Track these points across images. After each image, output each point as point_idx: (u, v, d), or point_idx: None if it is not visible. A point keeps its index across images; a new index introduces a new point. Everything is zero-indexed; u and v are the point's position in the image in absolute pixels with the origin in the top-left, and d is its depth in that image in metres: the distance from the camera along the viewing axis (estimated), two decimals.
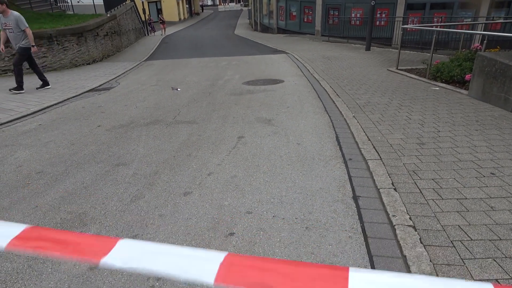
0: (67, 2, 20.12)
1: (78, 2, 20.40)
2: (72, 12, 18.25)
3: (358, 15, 19.71)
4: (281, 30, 25.51)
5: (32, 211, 3.28)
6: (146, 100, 7.54)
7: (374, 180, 3.58)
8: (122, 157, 4.49)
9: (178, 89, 8.47)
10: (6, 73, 10.61)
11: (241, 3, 75.07)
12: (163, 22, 30.72)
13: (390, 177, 3.60)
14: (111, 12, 17.71)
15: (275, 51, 15.97)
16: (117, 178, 3.90)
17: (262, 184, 3.64)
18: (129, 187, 3.69)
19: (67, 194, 3.60)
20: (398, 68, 9.90)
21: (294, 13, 23.92)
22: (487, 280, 2.22)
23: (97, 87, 9.17)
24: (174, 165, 4.18)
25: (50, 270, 2.50)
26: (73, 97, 8.02)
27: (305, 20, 23.11)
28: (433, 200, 3.15)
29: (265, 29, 28.69)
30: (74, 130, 5.67)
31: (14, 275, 2.46)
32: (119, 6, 20.89)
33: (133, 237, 2.84)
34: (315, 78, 9.28)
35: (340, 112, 6.08)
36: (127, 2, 23.69)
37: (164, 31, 29.93)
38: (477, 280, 2.23)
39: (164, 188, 3.63)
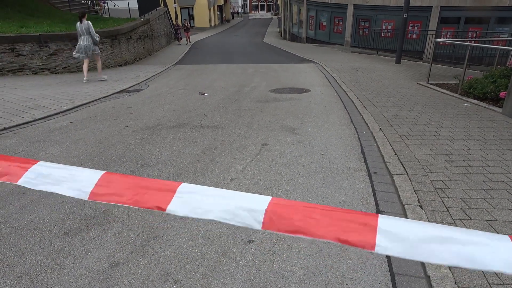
0: (104, 6, 20.83)
1: (114, 6, 21.08)
2: (108, 16, 18.88)
3: (389, 27, 19.45)
4: (310, 40, 25.47)
5: (59, 205, 3.37)
6: (173, 103, 7.67)
7: (399, 196, 3.49)
8: (147, 158, 4.57)
9: (205, 94, 8.57)
10: (43, 71, 11.05)
11: (272, 11, 75.58)
12: (187, 29, 26.51)
13: (416, 194, 3.49)
14: (144, 16, 18.18)
15: (303, 60, 15.94)
16: None
17: (284, 193, 3.61)
18: None
19: None
20: (429, 82, 9.67)
21: (324, 23, 23.86)
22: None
23: (127, 88, 9.40)
24: (197, 169, 4.21)
25: (72, 265, 2.56)
26: (104, 97, 8.26)
27: (335, 31, 23.00)
28: (460, 220, 3.03)
29: (294, 38, 28.73)
30: (103, 129, 5.82)
31: (38, 267, 2.53)
32: (152, 11, 21.42)
33: (153, 238, 2.87)
34: (342, 88, 9.18)
35: (367, 124, 5.98)
36: (160, 7, 24.27)
37: (189, 39, 26.47)
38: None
39: None
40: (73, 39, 11.54)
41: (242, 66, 14.26)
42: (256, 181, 3.87)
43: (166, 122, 6.24)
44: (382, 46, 18.57)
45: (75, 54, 9.80)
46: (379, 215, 1.00)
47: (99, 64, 10.36)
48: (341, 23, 22.28)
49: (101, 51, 12.63)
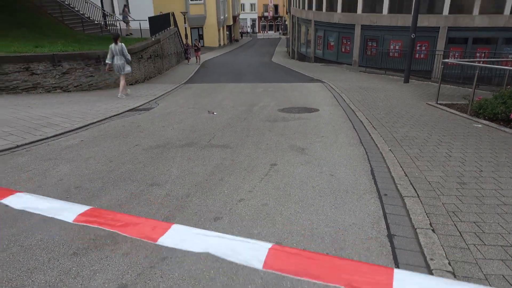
0: (116, 26, 21.31)
1: (126, 26, 21.50)
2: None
3: (397, 47, 19.58)
4: (318, 59, 25.71)
5: (68, 225, 3.37)
6: (182, 122, 7.73)
7: (410, 219, 3.43)
8: (157, 177, 4.58)
9: (214, 113, 8.64)
10: (56, 89, 11.27)
11: (280, 31, 76.67)
12: (197, 49, 26.80)
13: (428, 217, 3.44)
14: (155, 36, 18.55)
15: (312, 80, 16.05)
16: (150, 198, 3.96)
17: (293, 214, 3.58)
18: (161, 208, 3.74)
19: None
20: (438, 102, 9.64)
21: (332, 43, 24.11)
22: None
23: (137, 107, 9.52)
24: (206, 189, 4.20)
25: (80, 286, 2.54)
26: (115, 115, 8.36)
27: (343, 50, 23.21)
28: (474, 245, 2.96)
29: (302, 57, 29.02)
30: (113, 147, 5.87)
31: None
32: (163, 31, 21.87)
33: (162, 260, 2.85)
34: (351, 108, 9.19)
35: (376, 144, 5.95)
36: (171, 27, 24.76)
37: (199, 59, 26.47)
38: None
39: (195, 212, 3.65)
40: (86, 58, 11.82)
41: (251, 85, 14.39)
42: (265, 202, 3.85)
43: (175, 141, 6.28)
44: (390, 66, 18.65)
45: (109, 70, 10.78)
46: (395, 270, 0.90)
47: (123, 83, 10.88)
48: (348, 43, 22.50)
49: (112, 70, 12.90)
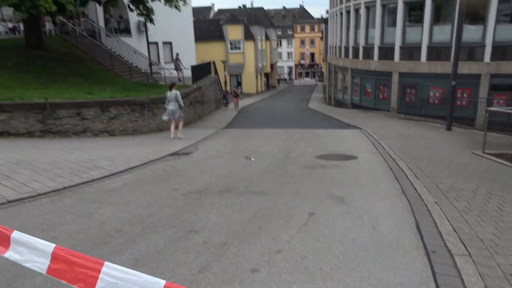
0: (160, 74, 22.60)
1: (170, 74, 22.77)
2: (164, 83, 20.36)
3: (437, 94, 19.23)
4: (355, 106, 25.68)
5: None
6: (221, 168, 7.83)
7: (463, 280, 3.17)
8: (195, 223, 4.59)
9: (252, 159, 8.70)
10: (103, 133, 11.89)
11: (316, 78, 78.02)
12: (236, 95, 27.76)
13: (482, 279, 3.16)
14: (197, 83, 19.43)
15: (349, 126, 15.95)
16: (188, 245, 3.95)
17: (334, 269, 3.42)
18: (198, 256, 3.70)
19: (141, 256, 3.70)
20: (485, 151, 9.20)
21: (369, 90, 24.11)
22: None
23: (177, 151, 9.79)
24: (244, 238, 4.14)
25: None
26: (156, 159, 8.63)
27: (380, 97, 23.09)
28: None
29: (339, 104, 29.12)
30: (154, 192, 6.00)
31: None
32: (204, 78, 22.91)
33: None
34: (391, 156, 8.96)
35: (420, 196, 5.69)
36: (211, 75, 25.92)
37: (237, 104, 27.22)
38: None
39: (232, 262, 3.58)
40: (131, 104, 12.49)
41: (287, 131, 14.49)
42: (304, 255, 3.72)
43: (213, 186, 6.33)
44: (430, 113, 18.24)
45: (164, 117, 11.65)
46: None
47: (181, 125, 11.95)
48: (386, 89, 22.41)
49: (155, 116, 13.50)
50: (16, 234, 1.94)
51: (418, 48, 19.82)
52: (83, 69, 17.28)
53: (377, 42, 22.43)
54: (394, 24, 21.30)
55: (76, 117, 11.31)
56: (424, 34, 19.39)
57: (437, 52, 19.17)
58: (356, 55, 25.11)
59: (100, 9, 21.62)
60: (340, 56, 28.74)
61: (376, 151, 9.80)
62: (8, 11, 23.27)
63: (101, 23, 22.21)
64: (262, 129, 15.20)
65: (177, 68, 22.16)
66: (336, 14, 29.82)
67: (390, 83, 21.67)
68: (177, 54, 23.43)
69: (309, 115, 23.24)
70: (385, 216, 4.82)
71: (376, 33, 22.45)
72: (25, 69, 14.81)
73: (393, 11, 21.36)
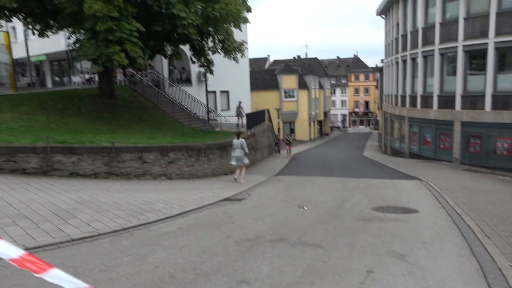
0: (217, 121, 23.55)
1: (225, 121, 23.66)
2: (220, 129, 21.14)
3: (506, 145, 17.89)
4: (413, 155, 24.59)
5: None
6: (273, 215, 7.73)
7: None
8: (246, 273, 4.48)
9: (305, 208, 8.51)
10: (161, 177, 12.41)
11: (371, 126, 76.59)
12: (289, 143, 27.36)
13: None
14: (251, 130, 19.92)
15: (407, 177, 15.20)
16: None
17: None
18: None
19: None
20: None
21: (429, 139, 23.09)
22: None
23: (230, 196, 9.88)
24: None
25: None
26: (210, 204, 8.75)
27: (441, 147, 21.96)
28: None
29: (396, 153, 28.08)
30: (207, 237, 6.02)
31: None
32: (258, 125, 23.46)
33: None
34: (455, 211, 8.30)
35: (492, 258, 5.13)
36: (265, 122, 26.49)
37: (289, 152, 26.81)
38: None
39: None
40: (189, 149, 13.03)
41: (341, 179, 14.13)
42: None
43: (266, 235, 6.23)
44: (499, 165, 16.93)
45: (232, 162, 12.71)
46: None
47: (243, 171, 12.80)
48: (447, 139, 21.31)
49: (210, 161, 13.90)
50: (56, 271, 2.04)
51: (481, 96, 18.88)
52: (147, 116, 18.52)
53: (436, 91, 21.77)
54: (454, 72, 20.66)
55: (138, 160, 11.95)
56: (488, 83, 18.52)
57: (503, 100, 18.11)
58: (413, 103, 24.48)
59: (165, 62, 23.48)
60: (396, 104, 28.17)
61: (439, 205, 9.16)
62: (86, 64, 26.10)
63: (165, 74, 24.01)
64: (315, 177, 14.97)
65: (239, 115, 23.15)
66: (392, 64, 29.66)
67: (451, 132, 20.63)
68: (240, 102, 24.76)
69: (364, 163, 22.60)
70: (453, 279, 4.38)
71: (435, 81, 21.86)
72: (96, 116, 16.19)
73: (453, 60, 20.81)
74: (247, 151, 12.70)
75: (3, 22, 17.39)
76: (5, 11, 14.94)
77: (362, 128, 76.62)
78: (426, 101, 22.86)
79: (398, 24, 27.32)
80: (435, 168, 18.81)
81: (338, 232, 6.43)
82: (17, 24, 22.46)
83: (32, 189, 8.53)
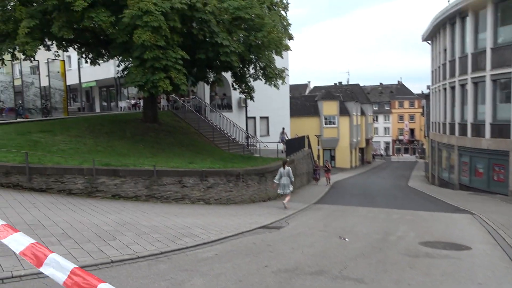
0: (256, 147, 23.71)
1: (264, 146, 23.77)
2: (259, 155, 21.23)
3: None
4: (463, 187, 23.26)
5: None
6: (312, 246, 7.51)
7: None
8: None
9: (346, 239, 8.21)
10: (199, 201, 12.54)
11: (416, 155, 73.77)
12: (328, 170, 26.93)
13: None
14: (290, 156, 19.83)
15: (457, 210, 14.33)
16: None
17: None
18: None
19: None
20: None
21: (481, 170, 21.80)
22: None
23: (268, 224, 9.76)
24: None
25: None
26: (247, 231, 8.67)
27: (495, 179, 20.62)
28: None
29: (444, 184, 26.70)
30: (244, 266, 5.93)
31: None
32: (298, 152, 23.33)
33: None
34: None
35: None
36: (305, 149, 26.32)
37: (329, 179, 26.45)
38: None
39: None
40: (228, 175, 13.14)
41: (385, 210, 13.59)
42: None
43: (305, 266, 6.04)
44: None
45: (279, 191, 13.21)
46: None
47: (288, 198, 13.04)
48: (502, 170, 20.00)
49: (248, 187, 13.91)
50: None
51: None
52: (188, 140, 19.03)
53: (488, 119, 20.69)
54: (508, 99, 19.63)
55: (178, 184, 12.19)
56: None
57: None
58: (463, 132, 23.38)
59: (207, 88, 24.26)
60: (444, 132, 27.05)
61: (494, 242, 8.49)
62: (132, 90, 27.52)
63: (207, 99, 24.76)
64: (356, 207, 14.51)
65: (283, 141, 23.39)
66: (439, 90, 28.74)
67: (507, 163, 19.36)
68: (283, 129, 25.27)
69: (409, 194, 21.65)
70: None
71: (487, 109, 20.83)
72: (140, 139, 16.85)
73: (506, 86, 19.83)
74: (293, 179, 13.09)
75: (60, 52, 18.87)
76: (63, 42, 16.20)
77: (407, 157, 74.01)
78: (478, 129, 21.76)
79: (445, 50, 26.62)
80: (489, 201, 17.61)
81: (382, 267, 6.11)
82: (72, 53, 24.25)
83: (77, 209, 8.90)
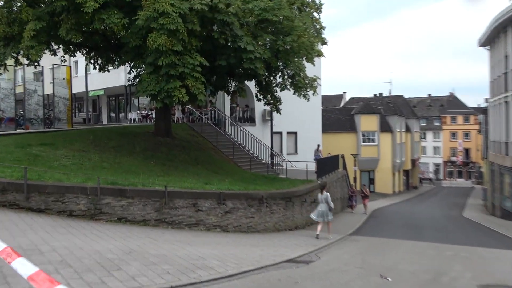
0: (282, 166, 23.63)
1: (291, 166, 23.68)
2: (285, 176, 21.14)
3: None
4: None
5: None
6: (348, 285, 7.34)
7: None
8: None
9: (389, 279, 7.99)
10: (216, 228, 12.53)
11: (473, 179, 71.66)
12: (365, 196, 26.48)
13: None
14: (322, 179, 19.64)
15: None
16: None
17: None
18: None
19: None
20: None
21: None
22: None
23: (295, 257, 9.62)
24: None
25: None
26: (271, 265, 8.56)
27: None
28: None
29: (507, 215, 25.73)
30: None
31: None
32: (330, 173, 23.09)
33: None
34: None
35: None
36: (339, 169, 26.01)
37: (366, 207, 26.09)
38: None
39: None
40: (249, 198, 13.10)
41: (435, 245, 13.20)
42: None
43: None
44: None
45: (314, 217, 13.44)
46: None
47: (330, 226, 13.47)
48: None
49: (273, 213, 13.83)
50: None
51: None
52: (204, 157, 19.19)
53: None
54: None
55: (192, 208, 12.23)
56: None
57: None
58: None
59: (227, 98, 24.52)
60: (507, 154, 26.23)
61: None
62: (144, 100, 28.17)
63: (227, 111, 24.98)
64: (400, 240, 14.18)
65: (317, 160, 23.39)
66: (500, 103, 28.04)
67: None
68: (318, 146, 25.40)
69: (464, 226, 20.96)
70: None
71: None
72: (150, 155, 17.12)
73: None
74: (332, 206, 13.32)
75: (66, 57, 19.62)
76: (71, 46, 16.84)
77: (461, 182, 72.10)
78: None
79: (506, 56, 26.07)
80: None
81: None
82: (79, 58, 25.17)
83: (78, 233, 9.04)
